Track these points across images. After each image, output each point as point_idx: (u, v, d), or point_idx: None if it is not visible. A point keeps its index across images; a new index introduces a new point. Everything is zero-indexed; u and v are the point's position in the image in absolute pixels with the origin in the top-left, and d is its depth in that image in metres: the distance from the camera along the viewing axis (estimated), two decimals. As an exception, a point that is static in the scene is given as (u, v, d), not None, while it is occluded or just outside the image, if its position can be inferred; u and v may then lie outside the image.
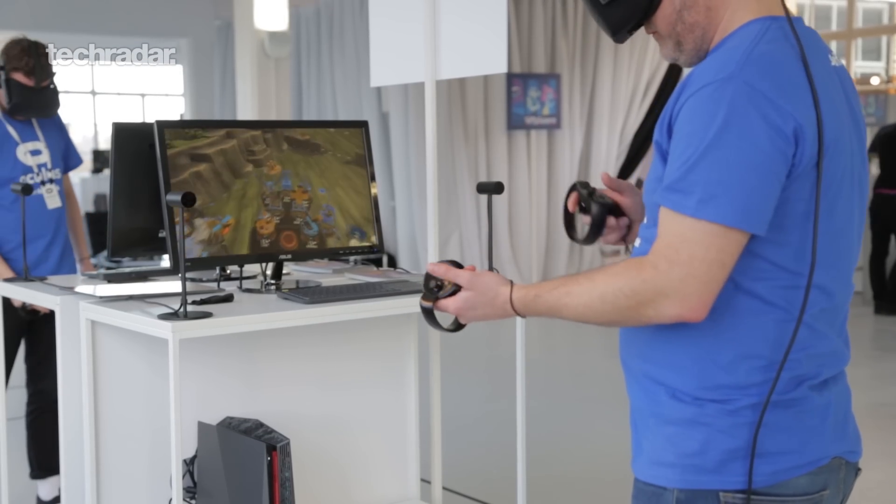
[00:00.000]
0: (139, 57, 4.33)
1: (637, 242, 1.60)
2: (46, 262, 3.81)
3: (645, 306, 1.44)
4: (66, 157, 3.94)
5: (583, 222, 1.80)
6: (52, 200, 3.82)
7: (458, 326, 1.74)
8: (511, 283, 1.62)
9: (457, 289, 1.66)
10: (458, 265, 1.69)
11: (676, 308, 1.43)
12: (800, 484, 1.49)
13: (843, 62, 1.59)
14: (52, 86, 3.79)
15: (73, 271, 3.91)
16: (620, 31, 1.63)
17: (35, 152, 3.79)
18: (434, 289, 1.69)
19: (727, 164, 1.39)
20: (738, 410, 1.47)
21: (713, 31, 1.54)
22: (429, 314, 1.70)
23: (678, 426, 1.50)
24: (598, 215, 1.76)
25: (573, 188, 1.80)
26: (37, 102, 3.77)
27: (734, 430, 1.47)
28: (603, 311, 1.48)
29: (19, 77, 3.71)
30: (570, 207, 1.79)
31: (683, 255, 1.41)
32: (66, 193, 3.96)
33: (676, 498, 1.49)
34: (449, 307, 1.66)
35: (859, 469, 1.63)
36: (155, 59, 4.41)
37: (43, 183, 3.78)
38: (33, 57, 3.72)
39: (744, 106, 1.39)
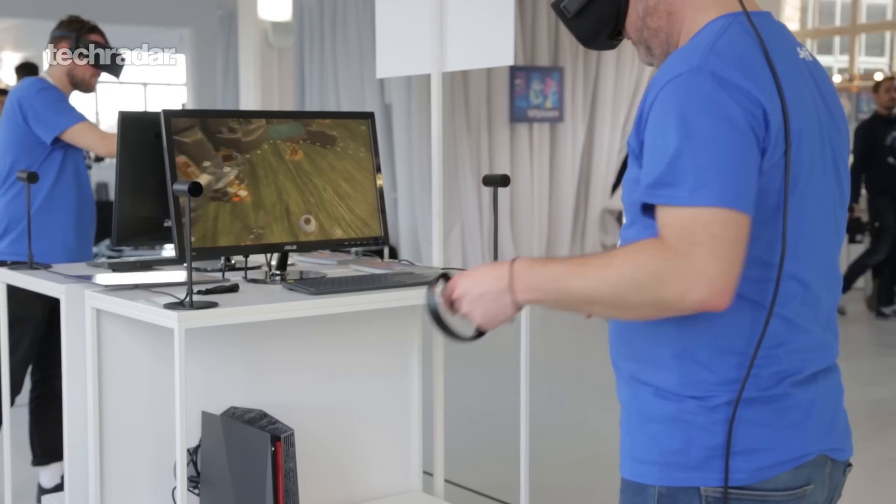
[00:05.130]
0: (156, 61, 4.37)
1: (618, 245, 1.57)
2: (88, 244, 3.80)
3: (665, 288, 1.35)
4: None
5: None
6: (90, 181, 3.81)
7: (478, 334, 1.61)
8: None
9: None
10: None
11: (702, 292, 1.34)
12: (782, 479, 1.48)
13: (814, 55, 1.59)
14: None
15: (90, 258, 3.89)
16: (594, 40, 1.67)
17: None
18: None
19: (710, 148, 1.37)
20: (717, 407, 1.46)
21: (677, 34, 1.57)
22: (439, 324, 1.58)
23: (661, 424, 1.50)
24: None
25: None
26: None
27: (714, 427, 1.46)
28: (619, 286, 1.38)
29: (97, 38, 3.71)
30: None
31: (702, 235, 1.34)
32: None
33: (658, 493, 1.50)
34: (454, 287, 1.55)
35: (850, 465, 1.62)
36: (174, 61, 4.45)
37: (88, 166, 3.77)
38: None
39: (715, 91, 1.39)
